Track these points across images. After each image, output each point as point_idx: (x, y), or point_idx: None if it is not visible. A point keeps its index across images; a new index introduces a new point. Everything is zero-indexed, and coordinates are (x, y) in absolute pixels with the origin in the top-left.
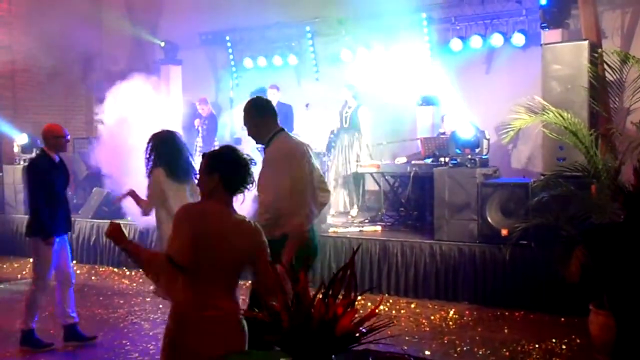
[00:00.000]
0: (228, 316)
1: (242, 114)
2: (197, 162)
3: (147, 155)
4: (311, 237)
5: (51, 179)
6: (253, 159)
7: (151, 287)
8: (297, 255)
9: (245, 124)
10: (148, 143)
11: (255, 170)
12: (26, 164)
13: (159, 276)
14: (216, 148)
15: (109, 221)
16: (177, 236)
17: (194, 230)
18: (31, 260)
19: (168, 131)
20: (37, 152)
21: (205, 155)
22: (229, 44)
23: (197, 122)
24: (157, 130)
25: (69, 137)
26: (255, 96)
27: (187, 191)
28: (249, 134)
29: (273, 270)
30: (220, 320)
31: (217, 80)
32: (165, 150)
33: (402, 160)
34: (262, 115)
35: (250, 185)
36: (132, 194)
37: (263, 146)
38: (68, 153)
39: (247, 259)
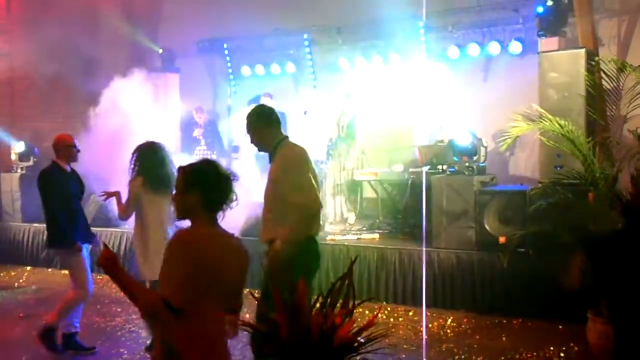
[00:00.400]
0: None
1: (245, 121)
2: None
3: (132, 166)
4: (315, 245)
5: (66, 189)
6: (235, 174)
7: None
8: (300, 263)
9: (249, 132)
10: (133, 154)
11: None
12: (38, 175)
13: (155, 317)
14: (194, 162)
15: (104, 229)
16: (171, 275)
17: (190, 262)
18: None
19: (152, 142)
20: (48, 163)
21: (182, 170)
22: (226, 52)
23: (196, 131)
24: (142, 141)
25: (79, 147)
26: (258, 104)
27: (167, 202)
28: (252, 142)
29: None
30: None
31: (214, 88)
32: (147, 161)
33: (399, 167)
34: (267, 124)
35: (233, 202)
36: (117, 196)
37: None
38: None
39: (241, 281)
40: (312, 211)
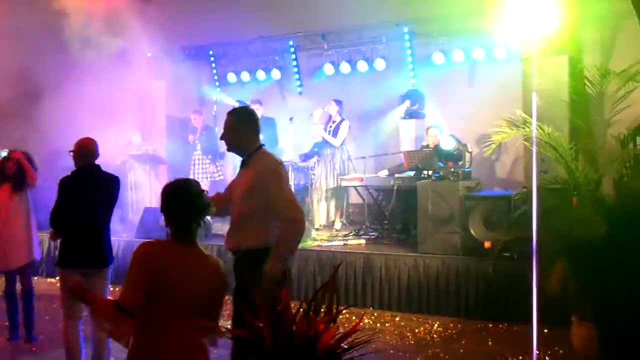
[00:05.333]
0: (187, 348)
1: (227, 118)
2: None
3: None
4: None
5: None
6: (205, 192)
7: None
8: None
9: (230, 130)
10: None
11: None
12: (114, 178)
13: (108, 321)
14: (170, 183)
15: None
16: (132, 281)
17: (151, 272)
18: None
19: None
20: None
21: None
22: (212, 59)
23: (191, 137)
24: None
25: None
26: (244, 106)
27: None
28: (230, 143)
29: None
30: (179, 353)
31: (200, 95)
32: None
33: (384, 173)
34: (250, 128)
35: (203, 220)
36: None
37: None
38: None
39: (208, 296)
40: (303, 228)
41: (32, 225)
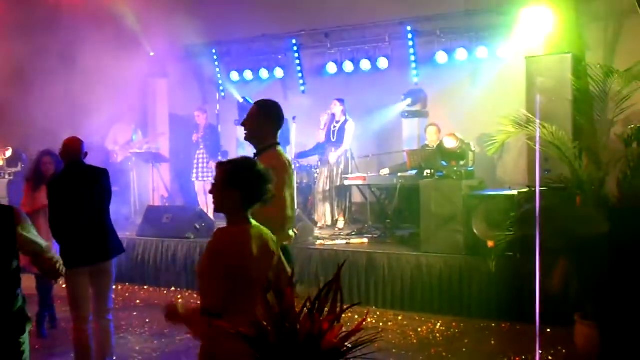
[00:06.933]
0: None
1: (254, 106)
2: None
3: None
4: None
5: None
6: (270, 173)
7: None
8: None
9: (252, 118)
10: None
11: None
12: (104, 171)
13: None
14: (233, 159)
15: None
16: (212, 278)
17: (229, 265)
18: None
19: None
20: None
21: (222, 167)
22: (215, 57)
23: (195, 136)
24: None
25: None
26: (273, 100)
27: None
28: (248, 132)
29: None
30: None
31: (203, 94)
32: None
33: (386, 171)
34: (272, 123)
35: (268, 199)
36: None
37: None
38: None
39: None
40: (281, 220)
41: None
